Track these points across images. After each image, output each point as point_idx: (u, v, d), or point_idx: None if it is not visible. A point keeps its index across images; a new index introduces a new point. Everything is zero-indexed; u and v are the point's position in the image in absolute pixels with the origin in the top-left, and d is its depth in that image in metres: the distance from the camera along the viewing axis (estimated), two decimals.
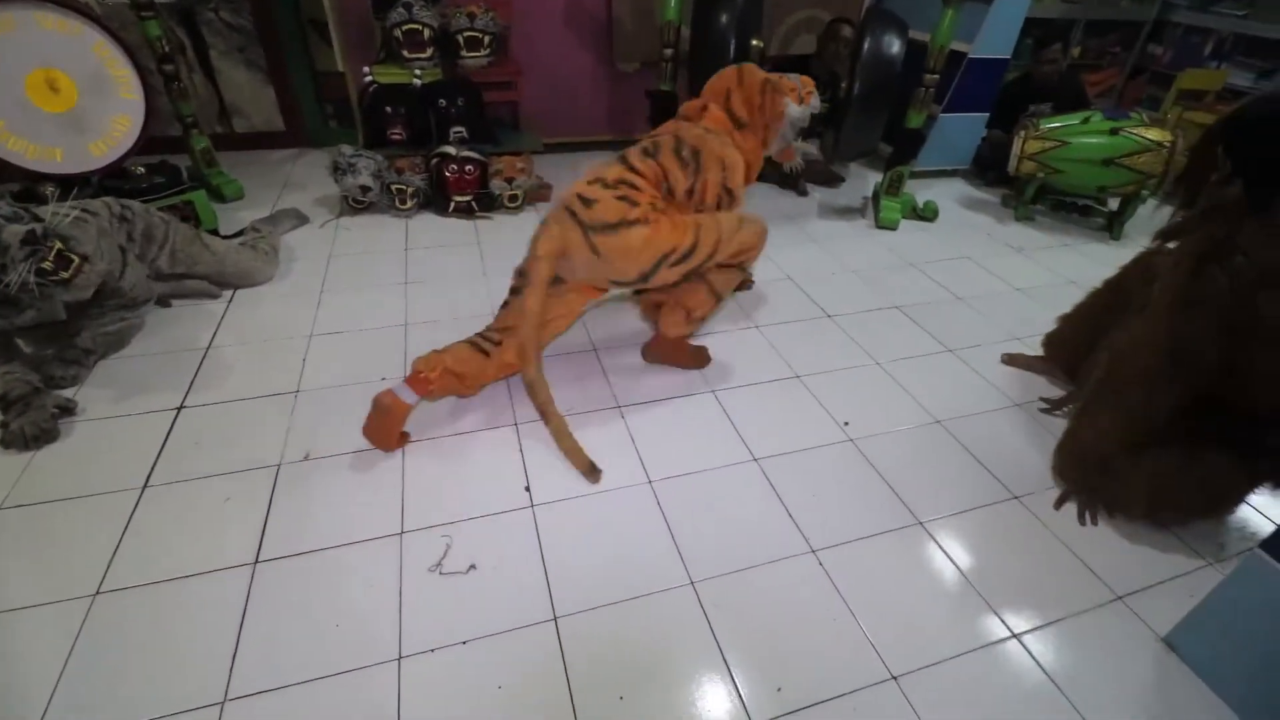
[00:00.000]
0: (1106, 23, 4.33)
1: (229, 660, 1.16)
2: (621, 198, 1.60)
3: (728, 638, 1.25)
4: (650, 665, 1.20)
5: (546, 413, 1.61)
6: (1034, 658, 1.26)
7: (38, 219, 1.63)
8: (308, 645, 1.19)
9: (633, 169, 1.68)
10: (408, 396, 1.57)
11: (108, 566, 1.31)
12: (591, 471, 1.57)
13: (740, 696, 1.16)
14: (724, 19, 2.46)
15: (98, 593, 1.26)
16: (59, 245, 1.63)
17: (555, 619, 1.26)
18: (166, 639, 1.19)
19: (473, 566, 1.34)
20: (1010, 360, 2.11)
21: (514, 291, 1.73)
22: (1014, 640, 1.29)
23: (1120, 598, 1.39)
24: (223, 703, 1.10)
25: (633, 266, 1.61)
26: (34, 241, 1.57)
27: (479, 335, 1.71)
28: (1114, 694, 1.21)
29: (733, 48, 2.49)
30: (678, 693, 1.16)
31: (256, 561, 1.34)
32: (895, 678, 1.21)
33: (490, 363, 1.67)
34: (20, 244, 1.55)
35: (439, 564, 1.35)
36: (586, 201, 1.59)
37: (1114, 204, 3.15)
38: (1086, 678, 1.23)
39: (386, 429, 1.58)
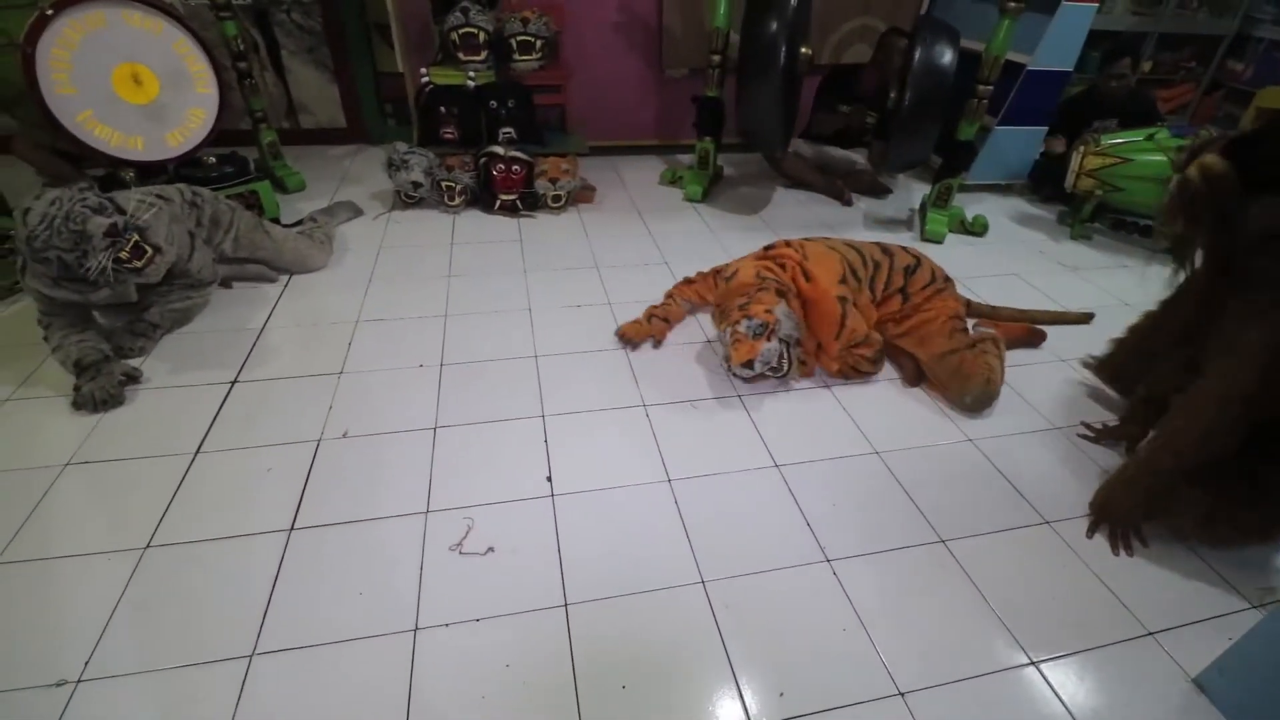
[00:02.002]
0: (1181, 36, 4.14)
1: (260, 618, 1.23)
2: None
3: (734, 638, 1.26)
4: (655, 658, 1.22)
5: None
6: (1052, 687, 1.22)
7: (120, 210, 1.75)
8: (332, 610, 1.26)
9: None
10: None
11: (159, 523, 1.41)
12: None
13: (741, 697, 1.16)
14: (774, 26, 2.46)
15: (148, 546, 1.36)
16: (136, 238, 1.76)
17: (566, 605, 1.29)
18: (205, 594, 1.28)
19: (490, 549, 1.39)
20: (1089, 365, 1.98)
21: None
22: (1032, 667, 1.26)
23: (1151, 634, 1.33)
24: (251, 656, 1.17)
25: None
26: (115, 234, 1.69)
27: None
28: None
29: (783, 55, 2.48)
30: (680, 687, 1.17)
31: (292, 528, 1.42)
32: (902, 694, 1.19)
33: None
34: (103, 235, 1.67)
35: (460, 544, 1.40)
36: None
37: None
38: (1106, 713, 1.19)
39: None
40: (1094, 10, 3.04)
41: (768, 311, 1.77)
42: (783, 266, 1.94)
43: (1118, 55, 3.21)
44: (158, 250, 1.80)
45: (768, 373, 1.80)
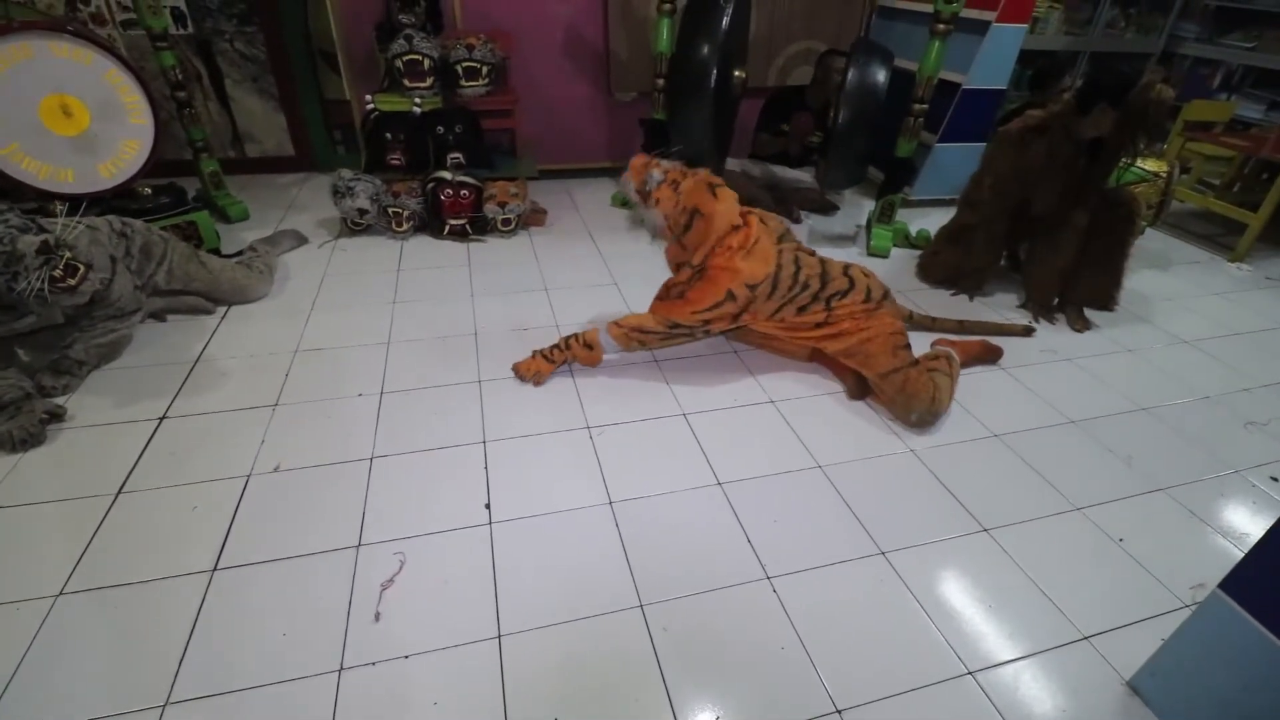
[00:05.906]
0: (1112, 55, 4.33)
1: (175, 665, 1.18)
2: None
3: (671, 662, 1.24)
4: (589, 687, 1.19)
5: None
6: (988, 696, 1.23)
7: (44, 229, 1.70)
8: (253, 653, 1.21)
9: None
10: None
11: (73, 569, 1.34)
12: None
13: None
14: (705, 50, 2.51)
15: (60, 594, 1.29)
16: (69, 254, 1.70)
17: (499, 637, 1.26)
18: (118, 642, 1.22)
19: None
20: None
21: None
22: (969, 677, 1.26)
23: (1087, 638, 1.35)
24: (164, 706, 1.12)
25: None
26: (48, 251, 1.64)
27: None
28: None
29: (714, 78, 2.52)
30: (613, 715, 1.15)
31: (214, 569, 1.36)
32: (839, 711, 1.18)
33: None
34: (35, 253, 1.62)
35: (391, 580, 1.36)
36: None
37: None
38: None
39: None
40: (1024, 31, 3.17)
41: (674, 189, 1.93)
42: (745, 221, 1.93)
43: (1055, 75, 3.35)
44: (89, 266, 1.75)
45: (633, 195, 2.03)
